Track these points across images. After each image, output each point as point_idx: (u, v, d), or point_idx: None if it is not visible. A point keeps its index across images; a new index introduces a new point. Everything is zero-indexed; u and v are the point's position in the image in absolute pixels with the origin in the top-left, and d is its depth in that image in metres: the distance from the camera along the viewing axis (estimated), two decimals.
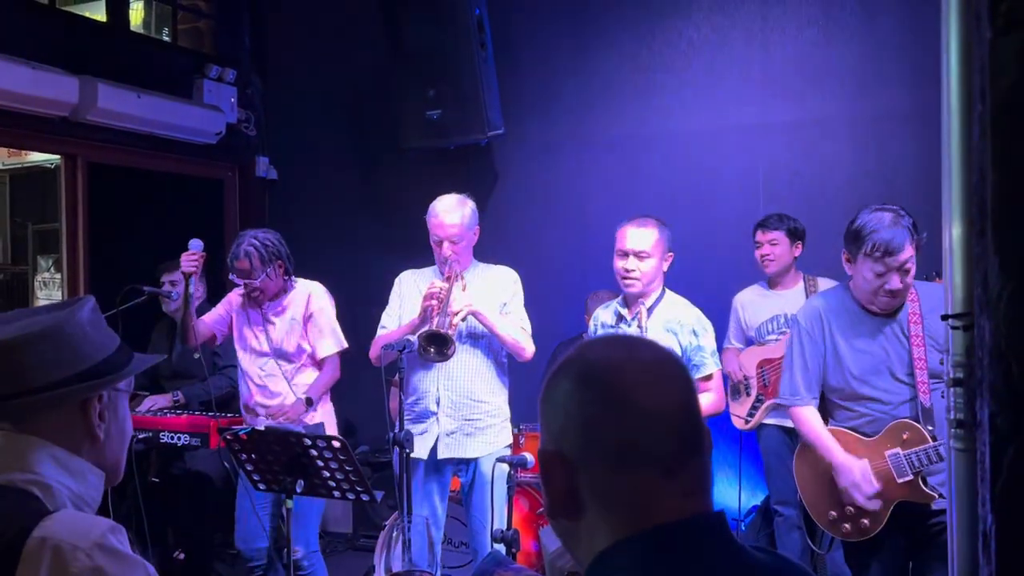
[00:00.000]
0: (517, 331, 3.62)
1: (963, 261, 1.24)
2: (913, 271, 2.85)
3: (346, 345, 4.03)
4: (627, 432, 0.99)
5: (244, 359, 3.99)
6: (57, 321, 1.40)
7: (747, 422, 4.44)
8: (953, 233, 1.26)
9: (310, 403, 3.92)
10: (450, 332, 3.42)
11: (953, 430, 1.28)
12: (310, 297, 3.97)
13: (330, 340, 3.98)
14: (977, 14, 1.05)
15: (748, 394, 4.46)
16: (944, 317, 1.30)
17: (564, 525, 1.05)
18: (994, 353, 0.98)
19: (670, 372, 1.04)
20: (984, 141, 1.02)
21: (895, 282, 2.80)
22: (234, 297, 4.09)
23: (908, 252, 2.79)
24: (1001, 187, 0.93)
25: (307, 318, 3.95)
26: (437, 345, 3.43)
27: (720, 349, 4.02)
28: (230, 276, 3.98)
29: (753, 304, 4.50)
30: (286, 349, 3.93)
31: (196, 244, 3.97)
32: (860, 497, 2.85)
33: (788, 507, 4.22)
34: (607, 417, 1.00)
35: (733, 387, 4.50)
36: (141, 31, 6.02)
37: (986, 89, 0.97)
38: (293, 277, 4.02)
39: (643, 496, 0.99)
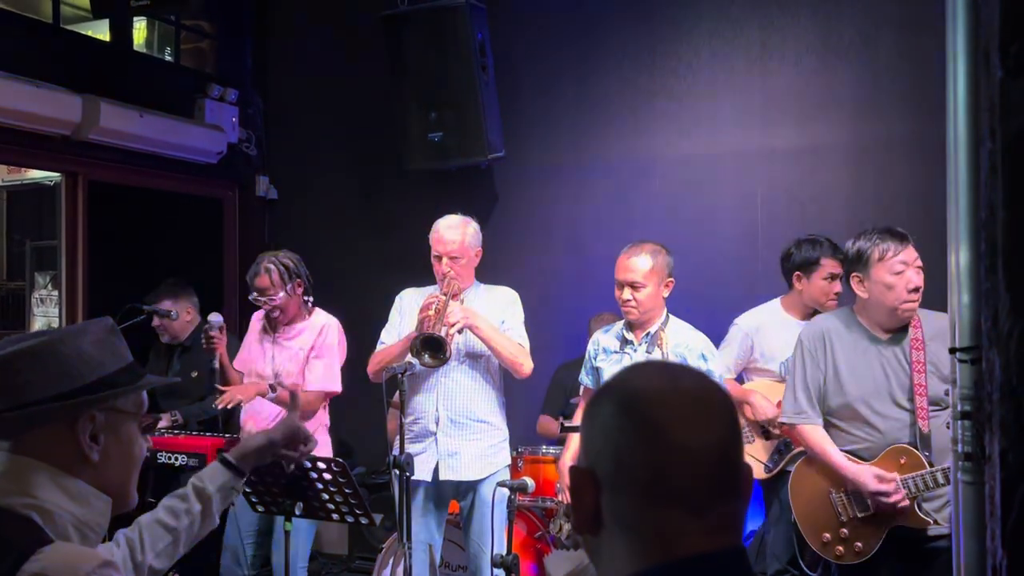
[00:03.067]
0: (514, 345, 3.62)
1: (971, 294, 1.25)
2: (923, 271, 2.95)
3: (337, 390, 3.90)
4: (658, 466, 0.99)
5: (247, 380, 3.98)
6: (50, 340, 1.39)
7: (768, 470, 3.98)
8: (961, 264, 1.27)
9: (273, 389, 3.79)
10: (445, 338, 3.40)
11: (960, 463, 1.28)
12: (323, 330, 3.91)
13: (322, 376, 3.86)
14: (986, 53, 1.07)
15: (768, 437, 4.02)
16: (952, 350, 1.31)
17: (590, 540, 1.05)
18: (1005, 390, 0.99)
19: (712, 407, 1.03)
20: (994, 178, 1.04)
21: (915, 279, 2.90)
22: (254, 323, 4.06)
23: (913, 250, 2.93)
24: (1013, 226, 0.94)
25: (312, 348, 3.90)
26: (432, 350, 3.41)
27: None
28: (249, 297, 3.93)
29: None
30: (285, 378, 3.89)
31: (216, 319, 3.91)
32: (887, 500, 2.87)
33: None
34: (640, 448, 1.00)
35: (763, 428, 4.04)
36: (144, 51, 6.05)
37: (996, 128, 0.98)
38: (313, 305, 3.98)
39: (666, 530, 0.99)
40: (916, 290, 2.90)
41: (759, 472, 4.03)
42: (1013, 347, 0.96)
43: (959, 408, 1.28)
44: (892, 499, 2.87)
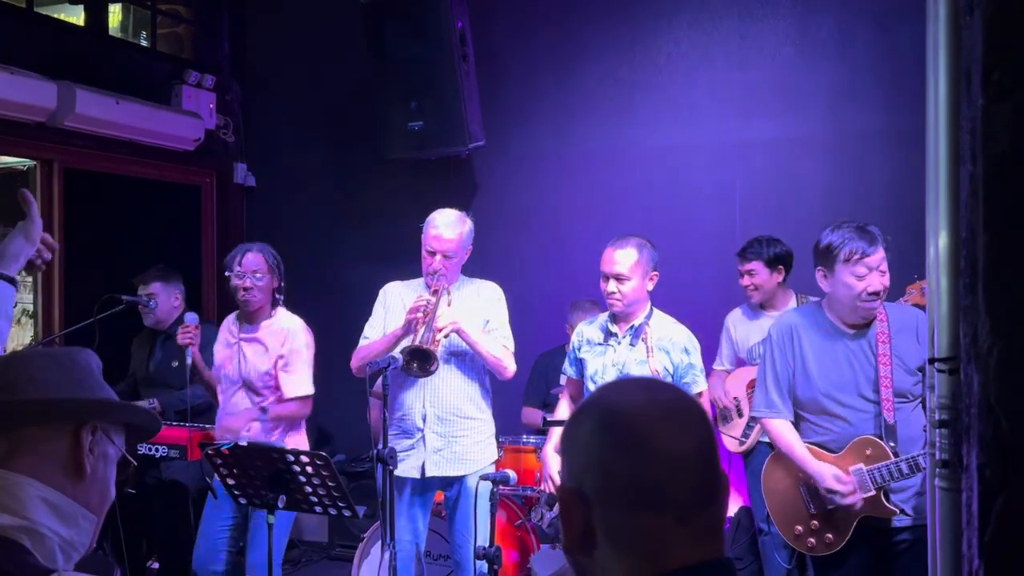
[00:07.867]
0: (499, 349, 3.62)
1: (949, 307, 1.28)
2: (888, 274, 2.97)
3: (312, 392, 3.88)
4: (645, 477, 1.01)
5: (220, 386, 3.98)
6: (70, 351, 1.41)
7: (742, 443, 4.34)
8: (940, 280, 1.30)
9: (264, 411, 3.82)
10: (433, 348, 3.42)
11: (938, 469, 1.32)
12: (288, 335, 3.84)
13: (298, 382, 3.84)
14: (968, 76, 1.10)
15: (740, 415, 4.38)
16: (931, 361, 1.34)
17: (579, 561, 1.06)
18: (983, 406, 1.02)
19: (690, 417, 1.06)
20: (975, 201, 1.06)
21: (876, 283, 2.92)
22: (223, 331, 4.04)
23: (881, 253, 2.95)
24: (992, 250, 0.97)
25: (281, 356, 3.83)
26: (420, 361, 3.42)
27: (708, 372, 3.94)
28: (230, 273, 3.85)
29: (743, 324, 4.43)
30: (252, 379, 3.85)
31: (191, 318, 4.06)
32: (841, 499, 2.94)
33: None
34: (626, 460, 1.02)
35: (721, 412, 4.42)
36: (119, 35, 5.97)
37: (977, 152, 1.01)
38: (279, 304, 3.94)
39: (656, 540, 1.01)
40: (876, 294, 2.93)
41: (734, 447, 4.38)
42: (992, 366, 0.99)
43: (936, 416, 1.32)
44: (846, 500, 2.93)
